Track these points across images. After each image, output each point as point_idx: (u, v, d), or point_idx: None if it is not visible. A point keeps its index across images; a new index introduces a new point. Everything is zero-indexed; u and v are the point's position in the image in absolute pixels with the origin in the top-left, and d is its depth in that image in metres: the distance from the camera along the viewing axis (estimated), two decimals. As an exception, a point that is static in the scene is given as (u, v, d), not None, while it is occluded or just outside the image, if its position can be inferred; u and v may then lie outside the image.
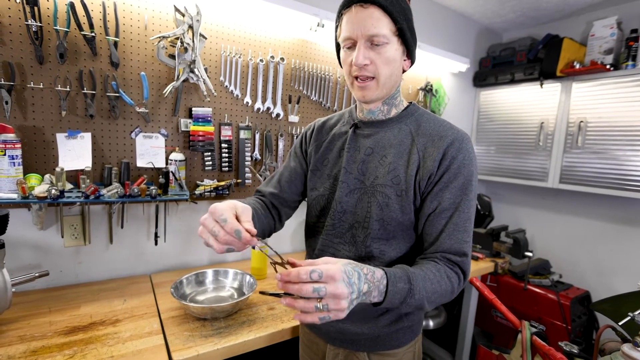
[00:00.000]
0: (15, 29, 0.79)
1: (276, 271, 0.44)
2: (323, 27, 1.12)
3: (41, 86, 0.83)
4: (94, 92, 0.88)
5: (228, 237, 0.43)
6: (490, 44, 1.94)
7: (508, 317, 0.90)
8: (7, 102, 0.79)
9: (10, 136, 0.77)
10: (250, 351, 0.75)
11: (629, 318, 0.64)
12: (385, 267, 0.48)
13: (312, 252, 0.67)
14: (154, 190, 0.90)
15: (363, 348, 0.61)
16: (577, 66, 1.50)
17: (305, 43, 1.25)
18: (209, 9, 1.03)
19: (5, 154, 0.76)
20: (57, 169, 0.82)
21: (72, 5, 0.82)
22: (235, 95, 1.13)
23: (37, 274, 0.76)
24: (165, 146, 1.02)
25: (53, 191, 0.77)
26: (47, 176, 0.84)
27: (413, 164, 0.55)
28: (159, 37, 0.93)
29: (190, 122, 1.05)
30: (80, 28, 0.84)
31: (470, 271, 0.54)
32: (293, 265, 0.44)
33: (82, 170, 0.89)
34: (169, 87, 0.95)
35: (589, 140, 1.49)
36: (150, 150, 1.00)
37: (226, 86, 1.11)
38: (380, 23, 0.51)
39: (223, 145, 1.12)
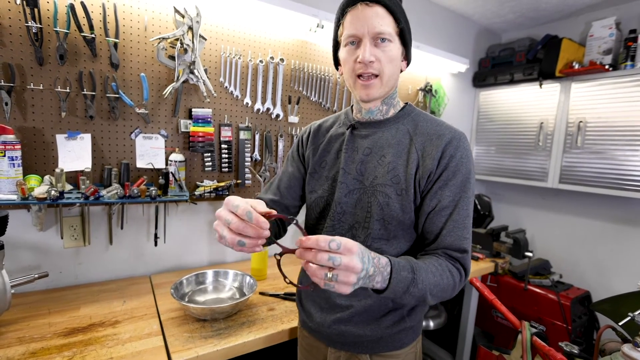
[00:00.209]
0: (15, 30, 0.80)
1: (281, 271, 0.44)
2: (322, 28, 1.12)
3: (41, 87, 0.83)
4: (93, 93, 0.88)
5: (240, 224, 0.41)
6: (489, 44, 1.94)
7: (508, 317, 0.90)
8: (7, 103, 0.79)
9: (10, 137, 0.77)
10: (250, 352, 0.74)
11: (629, 318, 0.64)
12: None
13: (306, 277, 0.68)
14: (153, 191, 0.90)
15: (365, 350, 0.60)
16: (576, 66, 1.50)
17: (305, 44, 1.25)
18: (209, 10, 1.03)
19: (5, 155, 0.76)
20: (57, 170, 0.82)
21: (72, 7, 0.82)
22: (235, 96, 1.13)
23: (36, 275, 0.76)
24: (165, 147, 1.02)
25: (53, 192, 0.77)
26: (46, 177, 0.84)
27: (412, 163, 0.55)
28: (159, 39, 0.93)
29: (190, 123, 1.05)
30: (80, 29, 0.84)
31: (470, 267, 0.55)
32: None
33: (81, 171, 0.89)
34: (169, 88, 0.96)
35: (588, 140, 1.49)
36: (150, 151, 1.00)
37: (226, 87, 1.11)
38: (385, 21, 0.52)
39: (223, 146, 1.13)
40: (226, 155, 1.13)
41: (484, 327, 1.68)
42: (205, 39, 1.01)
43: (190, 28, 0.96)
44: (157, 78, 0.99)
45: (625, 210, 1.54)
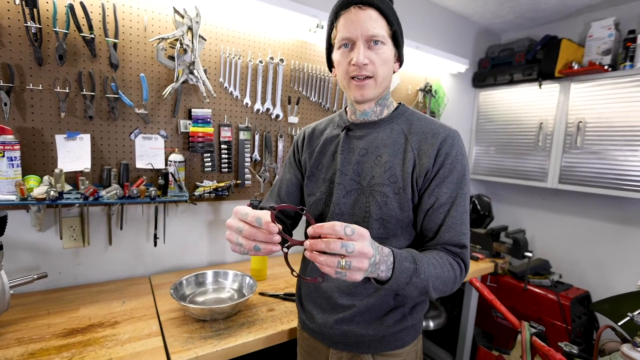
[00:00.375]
0: (14, 30, 0.79)
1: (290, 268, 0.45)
2: (322, 28, 1.12)
3: (40, 88, 0.83)
4: (93, 93, 0.88)
5: (252, 230, 0.43)
6: (489, 44, 1.94)
7: (507, 317, 0.90)
8: (5, 104, 0.79)
9: (9, 138, 0.77)
10: (250, 353, 0.74)
11: (628, 318, 0.64)
12: None
13: (308, 263, 0.67)
14: (153, 192, 0.89)
15: (367, 350, 0.61)
16: (576, 67, 1.51)
17: (305, 44, 1.25)
18: (208, 10, 1.03)
19: (4, 156, 0.76)
20: (56, 171, 0.82)
21: (71, 7, 0.82)
22: (234, 96, 1.13)
23: (35, 276, 0.76)
24: (165, 147, 1.02)
25: (52, 193, 0.77)
26: (46, 178, 0.83)
27: (409, 162, 0.56)
28: (159, 39, 0.93)
29: (189, 124, 1.05)
30: (79, 30, 0.84)
31: (470, 263, 0.56)
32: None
33: (81, 172, 0.89)
34: (169, 89, 0.96)
35: (587, 141, 1.50)
36: (150, 152, 1.00)
37: (225, 87, 1.11)
38: (378, 24, 0.53)
39: (222, 146, 1.12)
40: (226, 156, 1.13)
41: (484, 327, 1.68)
42: (205, 40, 1.01)
43: (190, 28, 0.96)
44: (157, 78, 0.99)
45: (624, 210, 1.55)
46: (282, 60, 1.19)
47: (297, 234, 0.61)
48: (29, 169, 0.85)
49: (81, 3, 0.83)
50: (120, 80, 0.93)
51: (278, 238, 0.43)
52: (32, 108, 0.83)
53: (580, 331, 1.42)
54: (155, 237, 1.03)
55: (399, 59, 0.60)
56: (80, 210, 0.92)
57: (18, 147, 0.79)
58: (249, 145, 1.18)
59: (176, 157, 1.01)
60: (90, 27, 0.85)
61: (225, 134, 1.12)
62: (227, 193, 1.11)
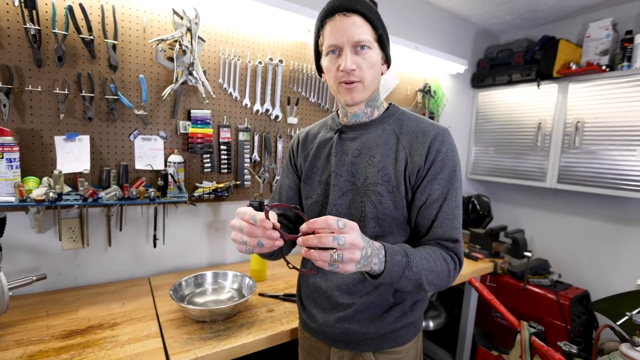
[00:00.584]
0: (13, 32, 0.80)
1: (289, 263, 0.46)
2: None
3: (39, 89, 0.83)
4: (92, 94, 0.88)
5: (251, 228, 0.45)
6: (487, 45, 1.95)
7: (507, 317, 0.90)
8: (5, 105, 0.79)
9: (8, 139, 0.77)
10: (250, 354, 0.74)
11: (626, 317, 0.64)
12: None
13: (308, 260, 0.67)
14: (152, 193, 0.89)
15: (369, 348, 0.61)
16: (574, 67, 1.51)
17: (304, 45, 1.26)
18: (207, 11, 1.03)
19: (3, 157, 0.76)
20: (55, 172, 0.82)
21: (70, 9, 0.82)
22: (234, 97, 1.13)
23: (34, 278, 0.76)
24: (164, 148, 1.02)
25: (51, 194, 0.77)
26: (45, 179, 0.83)
27: (401, 160, 0.57)
28: (158, 40, 0.93)
29: (189, 125, 1.05)
30: (78, 31, 0.84)
31: (463, 256, 0.57)
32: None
33: (80, 173, 0.89)
34: (168, 90, 0.96)
35: (586, 141, 1.50)
36: (149, 153, 1.00)
37: (225, 88, 1.11)
38: (363, 30, 0.54)
39: (222, 147, 1.13)
40: (225, 157, 1.13)
41: (483, 327, 1.68)
42: (204, 41, 1.01)
43: (189, 30, 0.96)
44: (156, 79, 0.99)
45: (623, 209, 1.55)
46: (281, 61, 1.19)
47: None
48: (28, 170, 0.85)
49: (80, 5, 0.83)
50: (119, 82, 0.93)
51: (276, 233, 0.45)
52: (31, 109, 0.83)
53: (579, 331, 1.42)
54: (155, 238, 1.03)
55: (387, 61, 0.61)
56: (80, 212, 0.92)
57: (17, 148, 0.79)
58: (248, 146, 1.18)
59: (175, 158, 1.01)
60: (90, 29, 0.86)
61: (225, 134, 1.12)
62: (226, 194, 1.11)
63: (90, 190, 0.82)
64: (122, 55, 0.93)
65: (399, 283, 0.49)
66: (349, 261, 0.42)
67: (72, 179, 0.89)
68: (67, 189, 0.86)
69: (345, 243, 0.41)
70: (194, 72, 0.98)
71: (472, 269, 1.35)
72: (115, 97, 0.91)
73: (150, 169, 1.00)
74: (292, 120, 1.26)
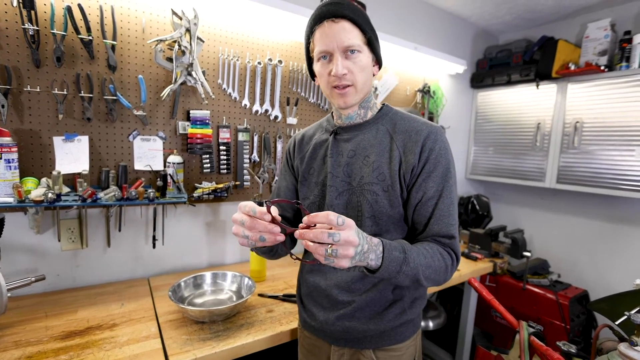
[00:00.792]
0: (12, 32, 0.79)
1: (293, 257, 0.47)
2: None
3: (38, 90, 0.83)
4: (91, 95, 0.88)
5: (252, 221, 0.45)
6: (486, 45, 1.95)
7: (506, 317, 0.91)
8: (3, 106, 0.79)
9: (7, 140, 0.77)
10: (249, 354, 0.74)
11: (625, 317, 0.64)
12: None
13: (309, 256, 0.69)
14: (151, 193, 0.89)
15: (369, 345, 0.62)
16: (572, 67, 1.52)
17: (303, 45, 1.25)
18: (206, 12, 1.03)
19: (1, 158, 0.76)
20: (54, 173, 0.82)
21: (69, 9, 0.82)
22: (233, 97, 1.13)
23: (33, 279, 0.76)
24: (163, 149, 1.02)
25: (50, 195, 0.76)
26: (43, 180, 0.83)
27: (395, 159, 0.58)
28: (157, 41, 0.93)
29: (188, 125, 1.05)
30: (77, 32, 0.84)
31: (460, 252, 0.58)
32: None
33: (79, 174, 0.88)
34: (167, 90, 0.96)
35: (584, 141, 1.51)
36: (148, 153, 1.00)
37: (224, 89, 1.11)
38: (352, 34, 0.55)
39: (221, 147, 1.12)
40: (224, 157, 1.13)
41: (483, 327, 1.68)
42: (203, 41, 1.01)
43: (188, 30, 0.96)
44: (155, 80, 0.99)
45: (622, 209, 1.55)
46: (280, 61, 1.19)
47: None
48: (26, 171, 0.84)
49: (79, 5, 0.83)
50: (118, 82, 0.93)
51: (277, 227, 0.45)
52: (29, 110, 0.83)
53: (578, 330, 1.43)
54: (154, 238, 1.03)
55: (377, 62, 0.62)
56: (79, 212, 0.92)
57: (15, 149, 0.78)
58: (247, 147, 1.18)
59: (175, 158, 1.01)
60: (88, 29, 0.85)
61: (224, 135, 1.12)
62: (226, 194, 1.11)
63: (89, 191, 0.82)
64: (121, 55, 0.93)
65: (396, 278, 0.50)
66: (342, 257, 0.43)
67: (71, 180, 0.89)
68: (65, 189, 0.86)
69: (340, 239, 0.42)
70: (193, 73, 0.98)
71: (471, 269, 1.35)
72: (114, 97, 0.91)
73: (150, 169, 1.00)
74: (292, 120, 1.26)
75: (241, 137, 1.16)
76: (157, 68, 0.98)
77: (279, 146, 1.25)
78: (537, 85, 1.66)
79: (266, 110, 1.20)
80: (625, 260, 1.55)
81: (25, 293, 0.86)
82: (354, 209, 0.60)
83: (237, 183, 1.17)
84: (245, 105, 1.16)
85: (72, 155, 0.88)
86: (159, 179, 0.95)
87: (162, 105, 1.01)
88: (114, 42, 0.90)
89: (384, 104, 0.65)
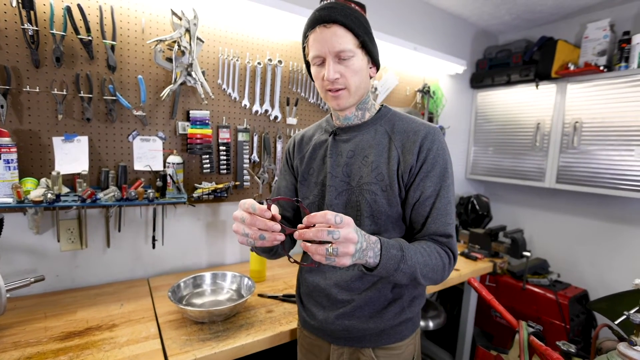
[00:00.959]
0: (11, 32, 0.79)
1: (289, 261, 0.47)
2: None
3: (37, 90, 0.83)
4: (90, 95, 0.88)
5: (252, 218, 0.46)
6: (486, 46, 1.96)
7: (505, 317, 0.91)
8: (2, 106, 0.79)
9: (6, 140, 0.77)
10: (249, 354, 0.74)
11: (624, 317, 0.64)
12: None
13: (308, 256, 0.68)
14: (151, 194, 0.89)
15: (368, 344, 0.63)
16: (572, 68, 1.52)
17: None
18: (206, 12, 1.03)
19: (0, 158, 0.75)
20: (53, 173, 0.82)
21: (68, 9, 0.82)
22: (233, 98, 1.13)
23: (32, 279, 0.76)
24: (163, 149, 1.02)
25: (49, 195, 0.76)
26: (43, 180, 0.83)
27: (393, 159, 0.59)
28: (156, 41, 0.93)
29: (188, 125, 1.05)
30: (76, 32, 0.84)
31: (457, 251, 0.59)
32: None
33: (78, 174, 0.88)
34: (167, 90, 0.95)
35: (584, 141, 1.51)
36: (148, 154, 0.99)
37: (224, 89, 1.11)
38: (344, 39, 0.55)
39: (221, 147, 1.12)
40: (224, 157, 1.13)
41: (483, 327, 1.68)
42: (203, 41, 1.01)
43: (188, 30, 0.96)
44: (155, 80, 0.99)
45: (621, 209, 1.56)
46: (280, 61, 1.19)
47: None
48: (25, 171, 0.84)
49: (78, 5, 0.83)
50: (118, 82, 0.93)
51: (277, 225, 0.46)
52: (29, 110, 0.83)
53: (578, 330, 1.43)
54: (154, 239, 1.03)
55: (375, 64, 0.62)
56: (78, 213, 0.92)
57: (15, 149, 0.78)
58: (247, 147, 1.18)
59: (174, 158, 1.01)
60: (88, 30, 0.85)
61: (224, 135, 1.12)
62: (225, 194, 1.11)
63: (89, 191, 0.81)
64: (120, 55, 0.92)
65: (394, 276, 0.51)
66: (343, 255, 0.43)
67: (70, 180, 0.89)
68: (65, 190, 0.86)
69: (340, 237, 0.42)
70: (193, 73, 0.98)
71: (471, 269, 1.35)
72: (114, 97, 0.91)
73: (149, 169, 1.00)
74: (292, 120, 1.26)
75: (241, 137, 1.16)
76: (156, 68, 0.98)
77: (279, 146, 1.25)
78: (537, 86, 1.66)
79: (266, 111, 1.20)
80: (624, 259, 1.55)
81: (24, 294, 0.86)
82: (353, 208, 0.61)
83: (237, 183, 1.17)
84: (245, 105, 1.16)
85: (72, 156, 0.88)
86: (158, 179, 0.95)
87: (162, 105, 1.01)
88: (114, 43, 0.89)
89: (382, 105, 0.66)
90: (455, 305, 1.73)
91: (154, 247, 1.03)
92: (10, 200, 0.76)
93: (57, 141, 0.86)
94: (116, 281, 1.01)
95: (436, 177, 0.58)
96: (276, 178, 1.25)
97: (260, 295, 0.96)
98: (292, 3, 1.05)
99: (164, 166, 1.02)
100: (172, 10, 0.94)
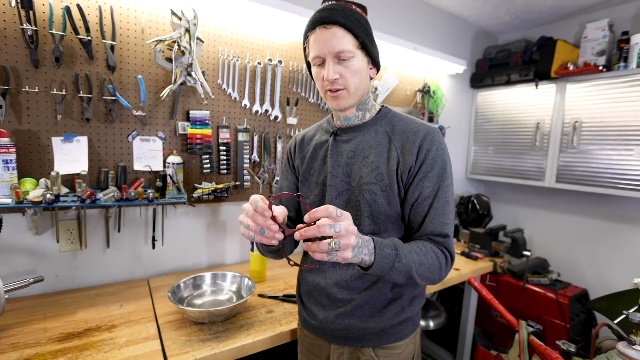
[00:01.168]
0: (10, 32, 0.79)
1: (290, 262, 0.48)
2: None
3: (36, 90, 0.83)
4: (90, 95, 0.88)
5: (255, 213, 0.47)
6: (486, 45, 1.96)
7: (505, 316, 0.91)
8: (1, 106, 0.78)
9: (5, 140, 0.77)
10: (249, 355, 0.74)
11: (624, 316, 0.64)
12: None
13: (308, 256, 0.70)
14: (151, 194, 0.89)
15: (368, 343, 0.63)
16: (571, 67, 1.52)
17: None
18: (206, 12, 1.03)
19: (-1, 159, 0.75)
20: (53, 173, 0.81)
21: (67, 9, 0.82)
22: (233, 98, 1.13)
23: (31, 280, 0.75)
24: (163, 149, 1.02)
25: (48, 195, 0.76)
26: (42, 180, 0.83)
27: (393, 160, 0.59)
28: (156, 41, 0.93)
29: (187, 125, 1.05)
30: (76, 32, 0.84)
31: (454, 251, 0.60)
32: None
33: (78, 174, 0.88)
34: (167, 90, 0.95)
35: (583, 140, 1.51)
36: (148, 154, 0.99)
37: (224, 89, 1.11)
38: (343, 40, 0.56)
39: (221, 147, 1.12)
40: (224, 157, 1.13)
41: (484, 326, 1.69)
42: (203, 41, 1.01)
43: (188, 30, 0.96)
44: (155, 80, 0.99)
45: (621, 208, 1.56)
46: (280, 61, 1.19)
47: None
48: (24, 171, 0.84)
49: (78, 5, 0.83)
50: (117, 82, 0.93)
51: (275, 226, 0.47)
52: (28, 110, 0.83)
53: (578, 329, 1.43)
54: (154, 239, 1.02)
55: (375, 64, 0.62)
56: (77, 213, 0.92)
57: (14, 149, 0.78)
58: (247, 147, 1.18)
59: (174, 159, 1.01)
60: (87, 29, 0.85)
61: (224, 135, 1.12)
62: (226, 195, 1.11)
63: (88, 192, 0.81)
64: (120, 56, 0.92)
65: (390, 275, 0.51)
66: (345, 247, 0.44)
67: (69, 180, 0.89)
68: (64, 190, 0.86)
69: (341, 230, 0.43)
70: (193, 73, 0.98)
71: (471, 269, 1.35)
72: (114, 97, 0.91)
73: (149, 170, 0.99)
74: (292, 120, 1.26)
75: (241, 137, 1.16)
76: (156, 68, 0.98)
77: (279, 146, 1.25)
78: (537, 85, 1.66)
79: (266, 111, 1.20)
80: (624, 259, 1.55)
81: (23, 294, 0.86)
82: (353, 208, 0.61)
83: (237, 183, 1.16)
84: (245, 105, 1.16)
85: (71, 156, 0.88)
86: (158, 180, 0.95)
87: (162, 105, 1.01)
88: (113, 43, 0.89)
89: (382, 106, 0.66)
90: (455, 305, 1.74)
91: (153, 247, 1.03)
92: (9, 200, 0.75)
93: (56, 141, 0.86)
94: (116, 282, 1.00)
95: (435, 178, 0.58)
96: (276, 178, 1.25)
97: (261, 296, 0.95)
98: (293, 3, 1.05)
99: (164, 166, 1.02)
100: (171, 10, 0.94)
